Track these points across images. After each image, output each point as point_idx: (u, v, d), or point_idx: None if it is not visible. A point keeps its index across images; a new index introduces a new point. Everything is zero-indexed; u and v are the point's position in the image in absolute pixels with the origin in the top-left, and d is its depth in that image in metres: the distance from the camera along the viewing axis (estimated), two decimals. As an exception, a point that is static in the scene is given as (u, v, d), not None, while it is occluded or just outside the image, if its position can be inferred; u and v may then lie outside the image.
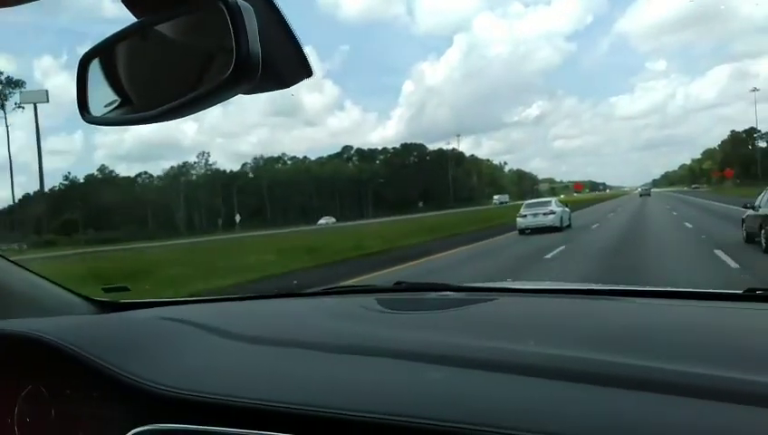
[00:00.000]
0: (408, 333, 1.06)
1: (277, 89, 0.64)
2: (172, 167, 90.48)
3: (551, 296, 1.41)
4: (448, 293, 1.45)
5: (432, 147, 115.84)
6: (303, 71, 0.62)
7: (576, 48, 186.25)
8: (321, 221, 63.05)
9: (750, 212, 10.32)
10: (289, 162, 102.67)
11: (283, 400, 0.78)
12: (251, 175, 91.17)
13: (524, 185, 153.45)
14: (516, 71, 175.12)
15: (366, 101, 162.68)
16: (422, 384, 0.80)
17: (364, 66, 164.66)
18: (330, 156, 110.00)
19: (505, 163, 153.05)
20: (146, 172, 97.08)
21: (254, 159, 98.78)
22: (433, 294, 1.46)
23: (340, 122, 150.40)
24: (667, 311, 1.15)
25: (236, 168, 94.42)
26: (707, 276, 7.42)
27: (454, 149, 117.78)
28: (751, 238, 10.05)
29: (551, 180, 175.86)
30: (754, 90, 67.25)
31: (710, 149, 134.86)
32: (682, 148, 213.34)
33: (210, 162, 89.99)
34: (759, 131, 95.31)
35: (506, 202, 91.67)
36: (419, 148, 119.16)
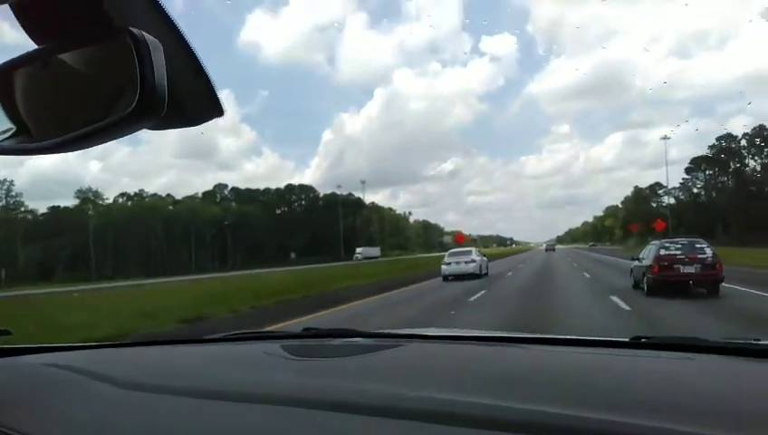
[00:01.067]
0: (311, 380, 1.07)
1: (185, 126, 0.62)
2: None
3: (457, 343, 1.46)
4: (357, 339, 1.47)
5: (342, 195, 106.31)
6: (213, 109, 0.61)
7: (489, 108, 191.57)
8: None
9: (636, 263, 13.35)
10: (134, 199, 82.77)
11: None
12: (91, 210, 70.25)
13: (431, 236, 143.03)
14: (433, 126, 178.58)
15: (284, 148, 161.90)
16: (313, 430, 0.80)
17: (284, 112, 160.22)
18: (203, 193, 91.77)
19: (410, 213, 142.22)
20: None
21: (78, 191, 77.37)
22: (340, 341, 1.48)
23: (256, 168, 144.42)
24: (563, 357, 1.24)
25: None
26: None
27: (350, 194, 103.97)
28: (636, 285, 13.02)
29: (455, 233, 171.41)
30: (665, 137, 62.03)
31: (612, 207, 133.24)
32: (584, 207, 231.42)
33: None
34: (664, 187, 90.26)
35: (375, 257, 74.80)
36: (308, 190, 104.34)
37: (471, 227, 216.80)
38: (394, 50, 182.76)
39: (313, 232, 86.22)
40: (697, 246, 11.78)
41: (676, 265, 11.31)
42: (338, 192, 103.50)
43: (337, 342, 1.48)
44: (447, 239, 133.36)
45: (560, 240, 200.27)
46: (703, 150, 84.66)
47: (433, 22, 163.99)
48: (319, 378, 1.08)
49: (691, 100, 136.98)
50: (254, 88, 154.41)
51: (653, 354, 1.19)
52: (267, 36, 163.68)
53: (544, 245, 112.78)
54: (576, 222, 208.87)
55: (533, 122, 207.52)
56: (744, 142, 72.61)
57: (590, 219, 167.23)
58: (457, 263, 21.23)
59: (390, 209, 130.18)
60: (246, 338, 1.62)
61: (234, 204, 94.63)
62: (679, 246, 11.89)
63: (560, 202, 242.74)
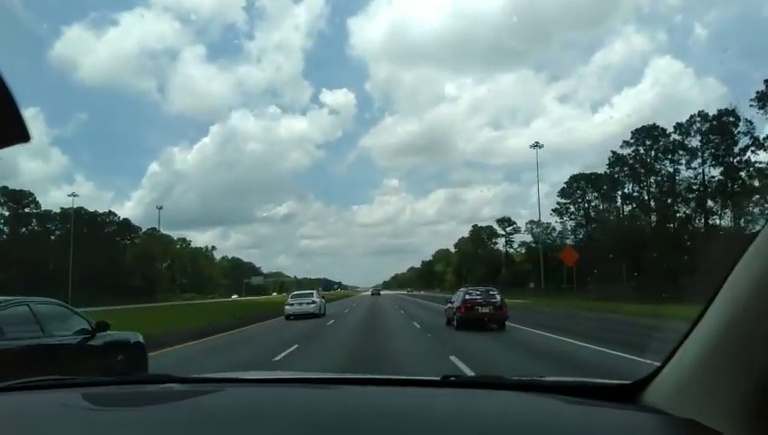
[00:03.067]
0: (119, 432, 1.00)
1: None
2: None
3: (278, 386, 1.46)
4: (171, 385, 1.42)
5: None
6: (18, 134, 0.55)
7: (326, 156, 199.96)
8: None
9: (449, 305, 17.85)
10: None
11: None
12: None
13: (241, 277, 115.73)
14: (270, 169, 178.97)
15: (103, 178, 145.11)
16: None
17: (104, 138, 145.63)
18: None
19: (214, 248, 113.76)
20: None
21: None
22: (152, 387, 1.43)
23: (63, 195, 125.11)
24: (378, 397, 1.30)
25: None
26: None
27: (116, 216, 74.09)
28: (449, 322, 17.34)
29: (278, 274, 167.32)
30: (536, 145, 54.67)
31: (442, 251, 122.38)
32: (409, 255, 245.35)
33: None
34: (514, 223, 79.38)
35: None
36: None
37: (303, 271, 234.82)
38: (232, 88, 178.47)
39: (27, 263, 54.89)
40: (491, 292, 16.87)
41: (476, 307, 15.85)
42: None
43: (149, 388, 1.41)
44: (257, 281, 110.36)
45: (386, 285, 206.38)
46: (509, 211, 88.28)
47: (274, 67, 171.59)
48: (126, 430, 1.00)
49: (502, 166, 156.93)
50: (69, 109, 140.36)
51: (459, 393, 1.34)
52: (87, 54, 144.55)
53: (371, 289, 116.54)
54: (402, 268, 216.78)
55: (367, 174, 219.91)
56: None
57: (418, 265, 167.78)
58: (300, 304, 24.55)
59: (183, 241, 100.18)
60: (40, 386, 1.40)
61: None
62: (479, 292, 16.79)
63: (387, 250, 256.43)
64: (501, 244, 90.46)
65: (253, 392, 1.35)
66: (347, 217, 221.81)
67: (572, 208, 70.57)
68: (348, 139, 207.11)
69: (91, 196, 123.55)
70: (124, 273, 72.86)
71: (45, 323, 5.36)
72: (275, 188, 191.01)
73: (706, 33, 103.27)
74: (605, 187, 64.44)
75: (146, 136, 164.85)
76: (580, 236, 67.81)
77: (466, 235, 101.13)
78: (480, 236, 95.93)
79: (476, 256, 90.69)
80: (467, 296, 16.21)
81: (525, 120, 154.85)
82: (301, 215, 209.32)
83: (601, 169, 65.18)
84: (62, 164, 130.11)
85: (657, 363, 1.09)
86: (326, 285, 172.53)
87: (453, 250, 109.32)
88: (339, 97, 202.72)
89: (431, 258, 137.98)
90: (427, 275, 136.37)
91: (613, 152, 61.57)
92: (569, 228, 70.69)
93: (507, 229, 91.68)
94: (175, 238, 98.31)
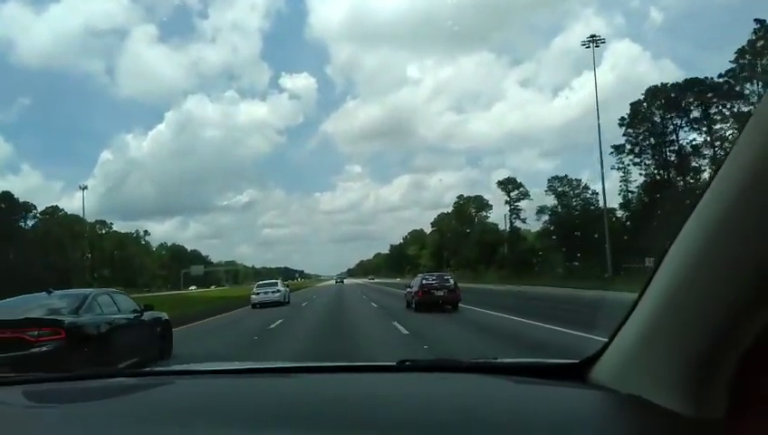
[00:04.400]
0: (59, 429, 0.99)
1: None
2: None
3: (230, 377, 1.50)
4: (121, 379, 1.46)
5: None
6: None
7: (287, 142, 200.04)
8: None
9: (408, 290, 20.88)
10: None
11: None
12: None
13: (180, 268, 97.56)
14: (228, 156, 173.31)
15: (50, 167, 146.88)
16: None
17: (51, 125, 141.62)
18: None
19: (146, 233, 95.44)
20: None
21: None
22: (102, 381, 1.43)
23: (10, 186, 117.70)
24: (333, 384, 1.36)
25: None
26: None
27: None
28: (408, 305, 19.71)
29: (232, 263, 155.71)
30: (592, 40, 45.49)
31: (416, 231, 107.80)
32: (372, 242, 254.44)
33: None
34: (520, 184, 64.22)
35: None
36: None
37: (265, 260, 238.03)
38: (187, 70, 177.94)
39: None
40: (445, 277, 19.88)
41: (432, 290, 18.20)
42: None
43: (95, 383, 1.40)
44: (197, 271, 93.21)
45: (351, 273, 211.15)
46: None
47: (230, 48, 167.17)
48: (69, 426, 0.98)
49: (465, 151, 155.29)
50: (10, 93, 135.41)
51: (415, 377, 1.41)
52: (25, 33, 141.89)
53: (335, 278, 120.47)
54: (368, 254, 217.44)
55: (329, 160, 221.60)
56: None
57: (384, 250, 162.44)
58: (265, 293, 27.09)
59: (103, 225, 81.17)
60: None
61: None
62: (434, 277, 19.67)
63: (351, 237, 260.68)
64: (497, 216, 76.52)
65: (204, 384, 1.38)
66: (309, 205, 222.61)
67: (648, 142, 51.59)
68: (309, 124, 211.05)
69: (38, 186, 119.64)
70: (20, 263, 54.30)
71: (119, 304, 8.48)
72: (235, 175, 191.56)
73: (662, 16, 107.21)
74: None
75: (96, 123, 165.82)
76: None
77: (431, 220, 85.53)
78: (466, 209, 79.97)
79: (462, 234, 74.93)
80: (424, 281, 18.93)
81: (487, 104, 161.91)
82: (262, 203, 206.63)
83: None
84: (5, 153, 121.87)
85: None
86: (286, 274, 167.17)
87: (431, 230, 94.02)
88: (299, 81, 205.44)
89: (402, 241, 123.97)
90: (398, 260, 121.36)
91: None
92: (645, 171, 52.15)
93: (512, 194, 70.50)
94: (90, 222, 79.93)
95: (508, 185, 69.13)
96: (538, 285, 37.18)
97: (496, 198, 70.22)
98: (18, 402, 1.11)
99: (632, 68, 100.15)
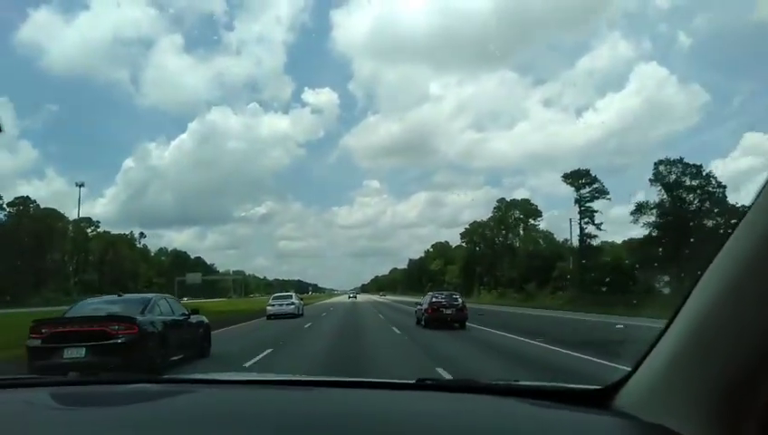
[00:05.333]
0: (85, 432, 1.02)
1: None
2: None
3: (251, 388, 1.53)
4: (143, 385, 1.49)
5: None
6: None
7: (307, 155, 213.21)
8: None
9: (418, 307, 23.47)
10: None
11: None
12: None
13: (180, 274, 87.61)
14: (249, 167, 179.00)
15: (74, 173, 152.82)
16: None
17: (75, 132, 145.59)
18: None
19: (142, 235, 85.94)
20: None
21: None
22: (125, 387, 1.49)
23: (35, 191, 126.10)
24: (352, 399, 1.38)
25: None
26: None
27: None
28: (418, 322, 22.26)
29: (227, 273, 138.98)
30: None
31: (439, 244, 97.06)
32: (387, 258, 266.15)
33: None
34: (593, 176, 50.97)
35: None
36: None
37: (279, 272, 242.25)
38: (211, 81, 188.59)
39: None
40: (454, 296, 22.09)
41: (441, 308, 20.14)
42: None
43: (120, 388, 1.45)
44: (194, 279, 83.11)
45: (364, 288, 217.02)
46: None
47: (255, 60, 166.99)
48: (94, 430, 1.00)
49: (485, 170, 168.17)
50: (41, 100, 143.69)
51: (434, 396, 1.41)
52: (55, 40, 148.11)
53: (349, 293, 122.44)
54: (383, 270, 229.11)
55: (348, 174, 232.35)
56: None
57: (400, 266, 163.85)
58: (280, 305, 30.53)
59: (89, 223, 71.17)
60: (3, 385, 1.45)
61: None
62: (444, 295, 21.86)
63: (366, 252, 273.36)
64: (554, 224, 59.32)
65: (225, 393, 1.41)
66: (326, 219, 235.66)
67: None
68: (329, 138, 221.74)
69: (63, 192, 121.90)
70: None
71: (173, 307, 10.57)
72: (254, 187, 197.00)
73: (690, 41, 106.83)
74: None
75: (120, 131, 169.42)
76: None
77: (446, 238, 73.76)
78: (507, 216, 69.30)
79: (502, 246, 63.09)
80: (434, 299, 20.99)
81: (509, 124, 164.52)
82: (280, 215, 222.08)
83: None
84: (32, 158, 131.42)
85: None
86: (299, 287, 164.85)
87: (459, 242, 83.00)
88: (322, 95, 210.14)
89: (423, 255, 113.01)
90: (418, 276, 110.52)
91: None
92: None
93: (582, 192, 52.30)
94: (71, 219, 70.11)
95: (578, 179, 51.01)
96: (637, 316, 22.67)
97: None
98: (43, 404, 1.13)
99: (659, 91, 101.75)
